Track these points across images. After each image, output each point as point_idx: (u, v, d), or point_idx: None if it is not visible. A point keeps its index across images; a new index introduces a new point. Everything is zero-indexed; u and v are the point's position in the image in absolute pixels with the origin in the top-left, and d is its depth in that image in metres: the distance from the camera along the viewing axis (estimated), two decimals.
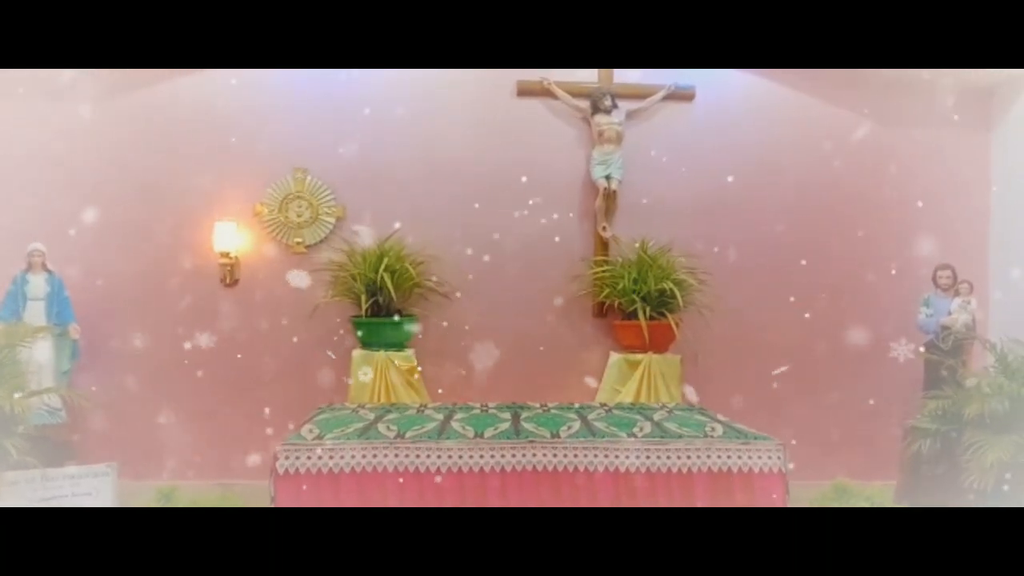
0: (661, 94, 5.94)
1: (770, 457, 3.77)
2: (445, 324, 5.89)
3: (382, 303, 5.44)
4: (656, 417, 4.32)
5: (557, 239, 5.94)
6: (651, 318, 5.49)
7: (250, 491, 5.31)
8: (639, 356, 5.55)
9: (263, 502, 3.68)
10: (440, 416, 4.28)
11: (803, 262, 5.93)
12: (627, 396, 5.44)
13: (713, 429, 3.99)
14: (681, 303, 5.56)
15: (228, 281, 5.77)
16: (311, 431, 3.86)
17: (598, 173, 5.83)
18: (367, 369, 5.28)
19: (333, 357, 5.67)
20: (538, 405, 4.77)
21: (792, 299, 5.90)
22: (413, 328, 5.65)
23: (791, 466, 3.81)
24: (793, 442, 5.00)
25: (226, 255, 5.70)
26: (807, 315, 5.93)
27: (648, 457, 3.74)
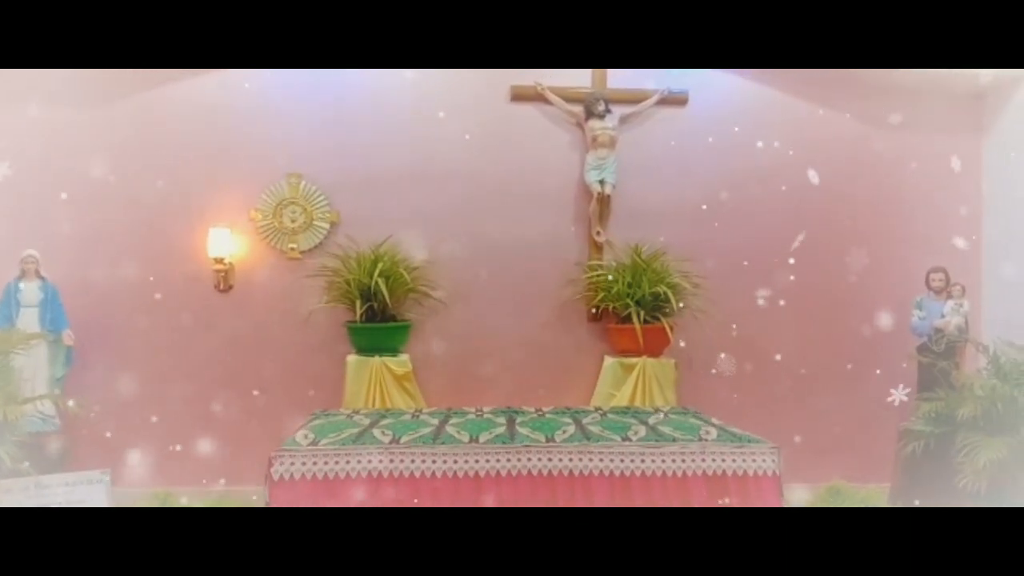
0: (654, 99, 5.96)
1: (764, 460, 3.78)
2: (439, 329, 5.89)
3: (376, 308, 5.44)
4: (651, 421, 4.33)
5: (551, 244, 5.96)
6: (645, 322, 5.50)
7: (245, 497, 5.32)
8: (634, 360, 5.56)
9: None
10: (435, 421, 4.29)
11: (792, 263, 5.93)
12: (622, 400, 5.45)
13: (708, 432, 4.00)
14: (675, 307, 5.57)
15: (222, 287, 5.77)
16: (306, 437, 3.86)
17: (592, 177, 5.84)
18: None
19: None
20: (533, 409, 4.78)
21: (784, 303, 5.92)
22: (407, 333, 5.66)
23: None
24: (795, 441, 5.08)
25: (220, 261, 5.69)
26: (800, 318, 5.95)
27: (643, 461, 3.75)
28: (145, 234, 5.70)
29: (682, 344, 5.74)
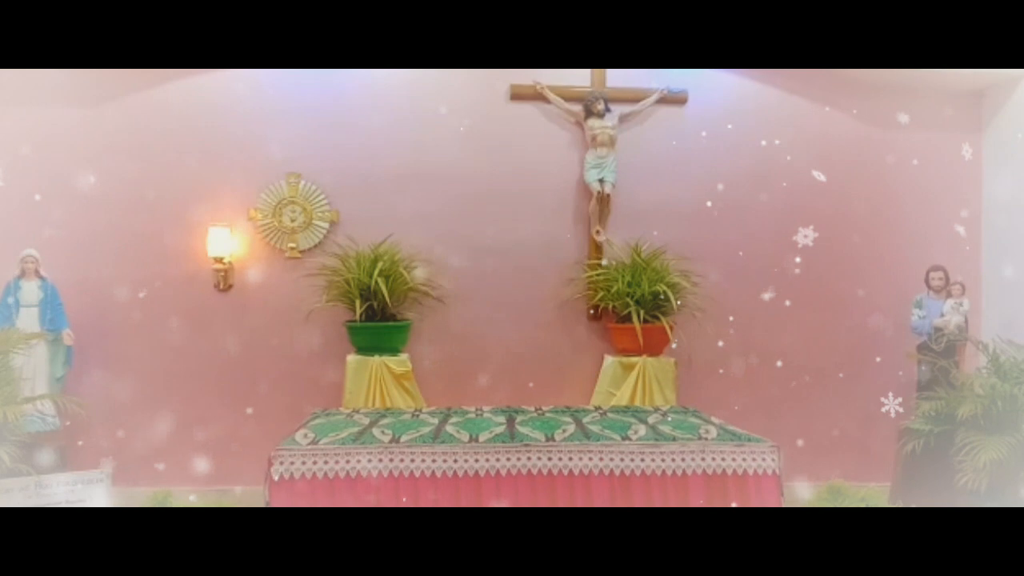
0: (654, 98, 5.95)
1: (764, 459, 3.78)
2: (439, 328, 5.88)
3: (376, 308, 5.44)
4: (651, 420, 4.33)
5: (551, 243, 5.96)
6: (645, 321, 5.50)
7: (245, 497, 5.32)
8: (634, 359, 5.56)
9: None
10: (435, 420, 4.29)
11: (797, 261, 5.92)
12: (622, 399, 5.45)
13: (707, 431, 4.00)
14: (675, 306, 5.57)
15: (222, 286, 5.76)
16: (306, 436, 3.86)
17: (591, 177, 5.84)
18: None
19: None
20: (533, 409, 4.78)
21: (785, 301, 5.90)
22: (407, 332, 5.66)
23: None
24: (794, 439, 5.08)
25: (220, 260, 5.69)
26: (800, 316, 5.94)
27: (643, 460, 3.75)
28: (145, 233, 5.69)
29: (674, 345, 5.72)
